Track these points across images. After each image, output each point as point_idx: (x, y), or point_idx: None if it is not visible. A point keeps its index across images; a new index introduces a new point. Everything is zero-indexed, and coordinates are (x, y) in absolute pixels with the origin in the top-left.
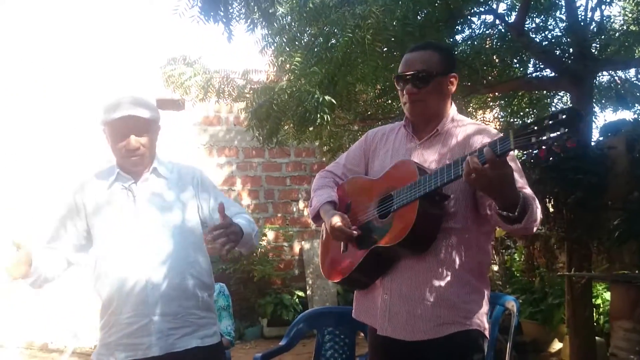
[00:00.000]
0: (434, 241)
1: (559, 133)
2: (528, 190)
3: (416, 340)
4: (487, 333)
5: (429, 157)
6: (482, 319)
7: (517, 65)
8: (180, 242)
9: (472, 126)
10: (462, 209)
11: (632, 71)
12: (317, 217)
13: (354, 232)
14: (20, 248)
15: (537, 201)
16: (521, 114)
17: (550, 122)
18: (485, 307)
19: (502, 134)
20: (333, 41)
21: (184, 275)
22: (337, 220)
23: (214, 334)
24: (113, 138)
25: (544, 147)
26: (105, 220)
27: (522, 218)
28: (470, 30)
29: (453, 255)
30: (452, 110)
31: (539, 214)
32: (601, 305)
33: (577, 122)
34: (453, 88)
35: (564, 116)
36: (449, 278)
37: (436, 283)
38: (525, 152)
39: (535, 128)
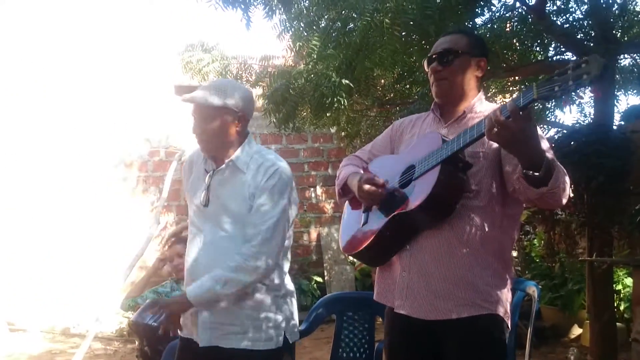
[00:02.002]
0: (455, 210)
1: (581, 80)
2: (552, 155)
3: (434, 319)
4: (509, 321)
5: (452, 137)
6: (504, 306)
7: (538, 48)
8: (239, 238)
9: (494, 106)
10: (485, 187)
11: None
12: (342, 191)
13: (384, 183)
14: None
15: (564, 169)
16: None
17: (573, 70)
18: (507, 295)
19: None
20: (351, 25)
21: None
22: (365, 177)
23: (270, 339)
24: None
25: (566, 95)
26: (190, 201)
27: (547, 180)
28: (491, 13)
29: (475, 234)
30: (479, 94)
31: (567, 182)
32: (622, 291)
33: (599, 68)
34: (481, 73)
35: (585, 64)
36: (470, 258)
37: (457, 262)
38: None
39: (559, 77)
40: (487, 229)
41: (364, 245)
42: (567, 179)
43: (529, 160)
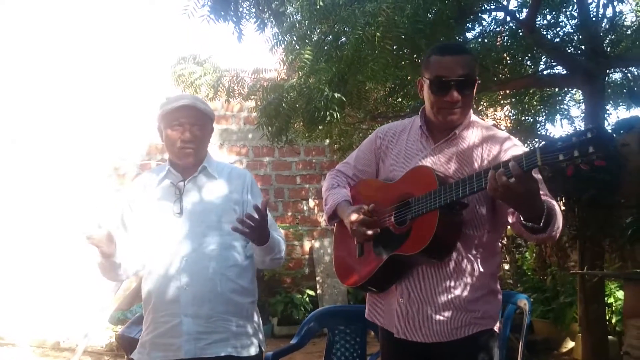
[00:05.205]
0: (454, 249)
1: (587, 152)
2: (549, 198)
3: (433, 342)
4: (497, 330)
5: (442, 160)
6: (495, 318)
7: (528, 62)
8: (221, 244)
9: (483, 130)
10: (478, 215)
11: None
12: (332, 217)
13: (377, 230)
14: (100, 227)
15: (558, 207)
16: (532, 111)
17: (578, 139)
18: (499, 305)
19: (521, 150)
20: (343, 39)
21: (221, 278)
22: (358, 217)
23: (251, 345)
24: (170, 128)
25: (571, 165)
26: (152, 218)
27: (546, 228)
28: (481, 27)
29: (470, 260)
30: (470, 113)
31: (560, 221)
32: (613, 304)
33: (606, 142)
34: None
35: (591, 135)
36: (466, 283)
37: (454, 288)
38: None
39: (562, 145)
40: (481, 254)
41: (361, 283)
42: (561, 217)
43: (530, 214)
